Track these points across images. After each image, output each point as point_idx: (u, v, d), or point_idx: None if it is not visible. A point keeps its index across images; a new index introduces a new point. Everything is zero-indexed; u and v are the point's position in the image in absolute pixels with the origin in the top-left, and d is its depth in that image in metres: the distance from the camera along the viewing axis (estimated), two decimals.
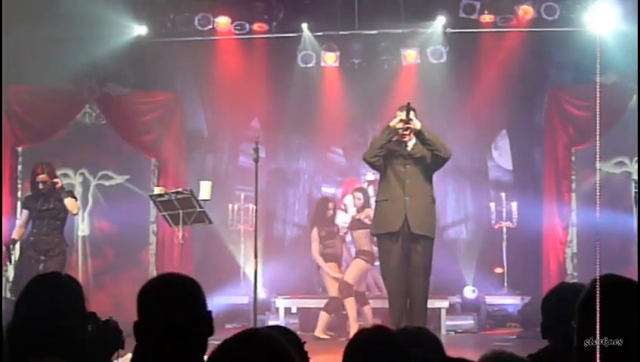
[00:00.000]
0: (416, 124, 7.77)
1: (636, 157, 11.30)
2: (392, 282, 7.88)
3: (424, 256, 7.85)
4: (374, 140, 8.15)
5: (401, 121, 7.87)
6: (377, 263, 11.08)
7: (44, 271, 8.12)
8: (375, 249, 10.01)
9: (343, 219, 11.52)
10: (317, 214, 11.10)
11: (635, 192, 9.64)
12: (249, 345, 2.21)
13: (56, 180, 9.31)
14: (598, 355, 2.33)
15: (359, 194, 10.95)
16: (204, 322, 2.82)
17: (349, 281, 10.47)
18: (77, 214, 9.82)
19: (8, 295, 9.99)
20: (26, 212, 9.44)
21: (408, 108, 7.83)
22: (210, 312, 2.85)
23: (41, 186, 9.20)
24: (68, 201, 9.23)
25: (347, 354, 2.94)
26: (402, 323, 7.44)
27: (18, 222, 9.67)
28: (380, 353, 2.87)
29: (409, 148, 7.95)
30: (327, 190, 13.39)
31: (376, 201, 8.20)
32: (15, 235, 9.43)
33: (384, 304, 11.10)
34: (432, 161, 7.96)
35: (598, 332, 2.36)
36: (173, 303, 2.79)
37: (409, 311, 7.82)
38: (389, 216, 7.91)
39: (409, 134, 7.92)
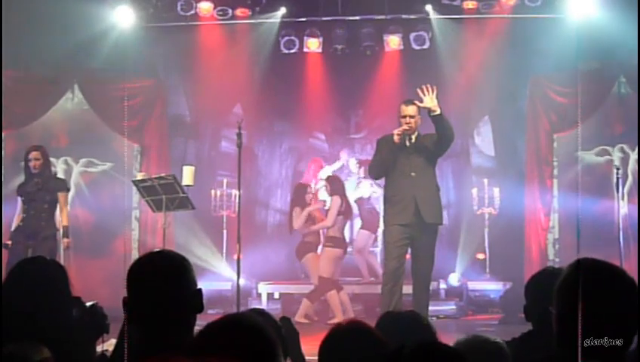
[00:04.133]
0: (436, 106, 7.69)
1: (618, 145, 11.39)
2: (392, 261, 7.89)
3: (432, 240, 7.99)
4: (381, 160, 8.04)
5: (405, 116, 7.89)
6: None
7: (32, 256, 7.94)
8: (345, 234, 10.51)
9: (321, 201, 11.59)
10: (297, 198, 11.08)
11: (617, 178, 9.68)
12: (232, 329, 2.21)
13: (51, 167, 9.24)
14: (579, 339, 2.34)
15: (325, 183, 11.04)
16: (194, 298, 2.82)
17: (324, 276, 10.40)
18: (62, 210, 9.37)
19: None
20: (20, 199, 9.25)
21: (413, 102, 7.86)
22: (199, 289, 2.84)
23: (32, 164, 9.03)
24: (61, 196, 9.13)
25: (322, 351, 2.91)
26: (394, 307, 7.47)
27: (16, 213, 9.40)
28: (355, 350, 2.84)
29: (413, 141, 7.96)
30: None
31: (384, 196, 8.22)
32: (14, 227, 9.26)
33: (364, 290, 11.22)
34: (436, 146, 7.96)
35: (578, 315, 2.36)
36: (163, 280, 2.78)
37: (415, 289, 7.94)
38: (400, 209, 7.93)
39: (414, 128, 7.93)
